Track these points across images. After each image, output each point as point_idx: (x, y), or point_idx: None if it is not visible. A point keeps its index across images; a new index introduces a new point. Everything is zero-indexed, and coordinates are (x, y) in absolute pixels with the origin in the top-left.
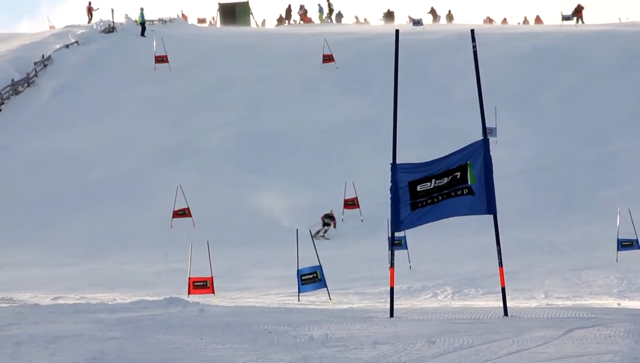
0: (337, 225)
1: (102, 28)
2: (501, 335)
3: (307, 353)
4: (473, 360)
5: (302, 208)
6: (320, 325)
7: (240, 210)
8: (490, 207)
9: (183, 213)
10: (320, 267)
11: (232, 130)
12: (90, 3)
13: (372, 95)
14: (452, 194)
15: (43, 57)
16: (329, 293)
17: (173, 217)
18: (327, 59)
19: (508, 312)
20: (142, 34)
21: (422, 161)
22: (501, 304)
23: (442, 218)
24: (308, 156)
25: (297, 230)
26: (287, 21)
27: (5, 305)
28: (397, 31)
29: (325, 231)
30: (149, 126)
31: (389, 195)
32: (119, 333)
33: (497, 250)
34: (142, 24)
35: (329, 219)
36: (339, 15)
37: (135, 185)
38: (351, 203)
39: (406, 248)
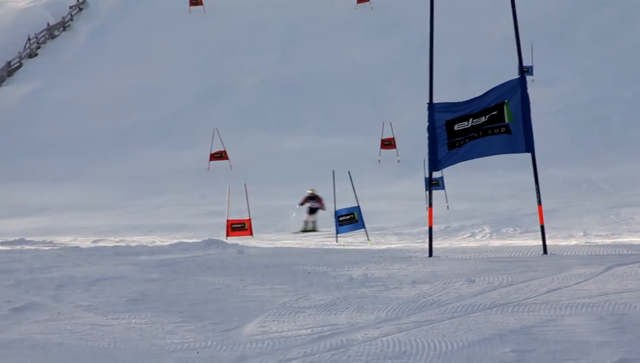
0: (325, 205)
1: None
2: (541, 273)
3: (346, 293)
4: (513, 298)
5: (338, 150)
6: (359, 266)
7: (276, 152)
8: (528, 145)
9: (220, 156)
10: (357, 207)
11: (266, 73)
12: None
13: (406, 35)
14: (489, 133)
15: (78, 0)
16: (367, 233)
17: (210, 160)
18: None
19: (547, 250)
20: None
21: (459, 100)
22: (540, 242)
23: (479, 157)
24: (343, 98)
25: (333, 171)
26: None
27: (47, 248)
28: None
29: (314, 222)
30: (183, 69)
31: (426, 135)
32: (159, 275)
33: (536, 189)
34: None
35: (313, 202)
36: None
37: (171, 128)
38: (388, 144)
39: (443, 188)
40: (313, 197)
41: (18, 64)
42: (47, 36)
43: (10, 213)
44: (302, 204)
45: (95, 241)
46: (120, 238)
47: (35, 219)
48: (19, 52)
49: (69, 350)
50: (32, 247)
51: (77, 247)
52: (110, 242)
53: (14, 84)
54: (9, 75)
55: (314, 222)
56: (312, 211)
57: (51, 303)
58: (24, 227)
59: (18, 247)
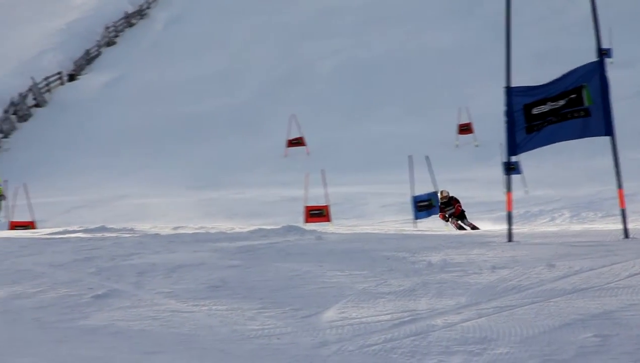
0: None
1: None
2: (622, 257)
3: (426, 279)
4: (594, 282)
5: (414, 135)
6: (438, 251)
7: (352, 138)
8: (608, 129)
9: (297, 142)
10: (435, 193)
11: (342, 57)
12: None
13: (482, 18)
14: (568, 116)
15: None
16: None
17: (287, 146)
18: None
19: (629, 234)
20: None
21: (537, 84)
22: (621, 226)
23: (558, 141)
24: (418, 82)
25: (409, 156)
26: None
27: (127, 235)
28: None
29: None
30: (260, 55)
31: (504, 119)
32: (239, 261)
33: (616, 172)
34: None
35: (449, 208)
36: None
37: (248, 115)
38: (465, 129)
39: (521, 172)
40: (447, 203)
41: (97, 53)
42: (125, 24)
43: (91, 201)
44: (444, 218)
45: (174, 228)
46: (199, 225)
47: (115, 207)
48: (97, 41)
49: (150, 336)
50: (113, 235)
51: (157, 234)
52: (189, 229)
53: (93, 72)
54: (88, 64)
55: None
56: (458, 218)
57: (132, 290)
58: (105, 215)
59: (99, 235)
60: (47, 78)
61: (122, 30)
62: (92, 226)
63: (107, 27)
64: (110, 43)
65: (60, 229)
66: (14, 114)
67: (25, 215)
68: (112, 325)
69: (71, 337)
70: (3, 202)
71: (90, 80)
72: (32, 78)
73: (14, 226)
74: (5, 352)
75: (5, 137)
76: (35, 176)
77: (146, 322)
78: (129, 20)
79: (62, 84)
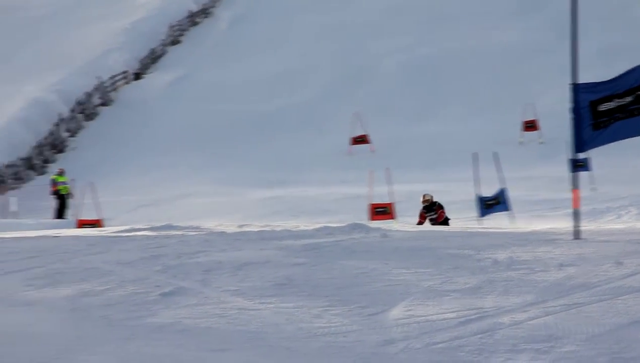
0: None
1: None
2: None
3: (492, 277)
4: None
5: (478, 132)
6: (504, 248)
7: (417, 135)
8: None
9: (361, 139)
10: (502, 190)
11: (404, 56)
12: None
13: (547, 14)
14: (635, 113)
15: None
16: (512, 216)
17: (351, 143)
18: None
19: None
20: None
21: (603, 80)
22: None
23: (625, 138)
24: (482, 80)
25: (474, 154)
26: None
27: (193, 233)
28: None
29: None
30: (324, 53)
31: (569, 116)
32: (305, 259)
33: None
34: None
35: (431, 214)
36: None
37: (312, 113)
38: (530, 126)
39: (589, 169)
40: (430, 207)
41: (162, 52)
42: (189, 23)
43: (156, 199)
44: (420, 223)
45: (240, 226)
46: (264, 223)
47: (181, 205)
48: (162, 40)
49: (217, 334)
50: (179, 233)
51: (222, 232)
52: (254, 227)
53: (158, 71)
54: (153, 63)
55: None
56: (441, 224)
57: (199, 288)
58: (170, 213)
59: (165, 233)
60: (112, 77)
61: (186, 29)
62: (158, 224)
63: (172, 26)
64: (174, 42)
65: (127, 227)
66: (80, 113)
67: (93, 213)
68: (179, 322)
69: (139, 335)
70: (70, 201)
71: (155, 79)
72: (98, 77)
73: (82, 224)
74: (74, 349)
75: (72, 136)
76: (102, 174)
77: (213, 319)
78: (193, 19)
79: (127, 82)
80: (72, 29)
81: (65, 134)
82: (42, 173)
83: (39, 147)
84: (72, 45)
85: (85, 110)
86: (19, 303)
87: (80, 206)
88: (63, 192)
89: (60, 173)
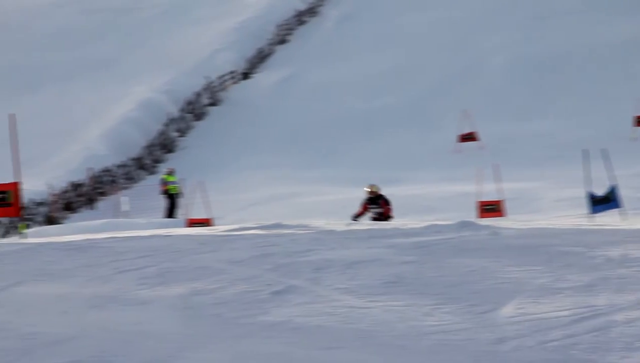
0: (393, 211)
1: None
2: None
3: (605, 274)
4: None
5: (588, 128)
6: (616, 245)
7: (526, 132)
8: None
9: (469, 137)
10: (613, 187)
11: (513, 53)
12: None
13: None
14: None
15: None
16: (623, 213)
17: (459, 141)
18: None
19: None
20: None
21: None
22: None
23: None
24: (591, 75)
25: (586, 150)
26: None
27: (302, 231)
28: None
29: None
30: (432, 50)
31: None
32: (414, 257)
33: None
34: None
35: (375, 208)
36: None
37: (420, 111)
38: None
39: None
40: (374, 200)
41: (269, 51)
42: (296, 23)
43: (265, 198)
44: (360, 215)
45: (348, 224)
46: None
47: (289, 204)
48: (269, 39)
49: (329, 332)
50: (288, 231)
51: (331, 230)
52: (363, 225)
53: (266, 71)
54: (261, 62)
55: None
56: (375, 221)
57: (309, 286)
58: (278, 212)
59: (275, 232)
60: (221, 77)
61: (294, 29)
62: (268, 223)
63: (279, 26)
64: (282, 41)
65: (237, 226)
66: (189, 112)
67: (202, 212)
68: (291, 321)
69: (251, 333)
70: (180, 200)
71: (263, 78)
72: (207, 77)
73: (191, 223)
74: (188, 347)
75: (182, 135)
76: (211, 174)
77: (323, 317)
78: (300, 18)
79: (235, 82)
80: (181, 29)
81: (174, 134)
82: (153, 173)
83: (150, 147)
84: (181, 45)
85: (195, 110)
86: (132, 302)
87: (190, 205)
88: (173, 192)
89: (170, 172)
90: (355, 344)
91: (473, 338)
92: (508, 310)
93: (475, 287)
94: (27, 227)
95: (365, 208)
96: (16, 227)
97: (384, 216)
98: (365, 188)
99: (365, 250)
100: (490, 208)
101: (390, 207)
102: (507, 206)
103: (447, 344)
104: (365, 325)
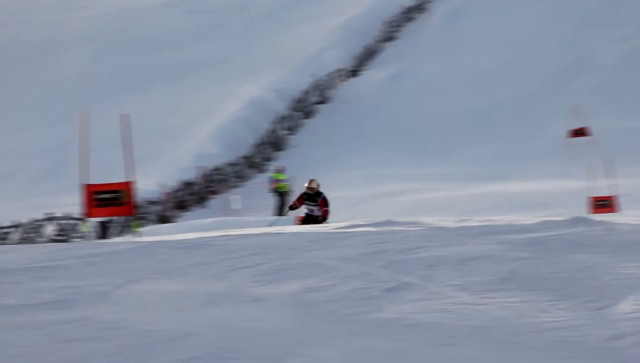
0: (329, 213)
1: None
2: None
3: None
4: None
5: None
6: None
7: (638, 127)
8: None
9: (581, 132)
10: None
11: (625, 46)
12: None
13: None
14: None
15: None
16: None
17: (570, 136)
18: None
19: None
20: None
21: None
22: None
23: None
24: None
25: None
26: None
27: (414, 228)
28: None
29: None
30: (542, 44)
31: None
32: (528, 253)
33: None
34: None
35: (311, 205)
36: None
37: (530, 106)
38: None
39: None
40: (312, 196)
41: (377, 48)
42: (404, 19)
43: (374, 195)
44: (295, 207)
45: (459, 221)
46: (483, 218)
47: (398, 201)
48: (376, 37)
49: (443, 328)
50: (400, 228)
51: (443, 227)
52: (474, 221)
53: (374, 68)
54: (368, 60)
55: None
56: (308, 220)
57: (422, 283)
58: (388, 209)
59: (386, 229)
60: (329, 75)
61: (401, 25)
62: (378, 220)
63: (386, 23)
64: (390, 38)
65: (348, 223)
66: (298, 111)
67: None
68: (405, 317)
69: (365, 330)
70: (289, 198)
71: (371, 76)
72: (315, 75)
73: (301, 221)
74: (303, 344)
75: (291, 133)
76: (320, 171)
77: (438, 314)
78: (408, 15)
79: (343, 80)
80: (289, 27)
81: (284, 132)
82: (263, 171)
83: (259, 145)
84: (288, 44)
85: (303, 108)
86: (246, 299)
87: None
88: (282, 190)
89: (280, 170)
90: (471, 341)
91: (590, 335)
92: (625, 307)
93: (590, 283)
94: (141, 225)
95: (300, 201)
96: (130, 226)
97: (321, 216)
98: (305, 184)
99: (478, 247)
100: (603, 204)
101: (328, 208)
102: (620, 202)
103: (564, 341)
104: (480, 322)
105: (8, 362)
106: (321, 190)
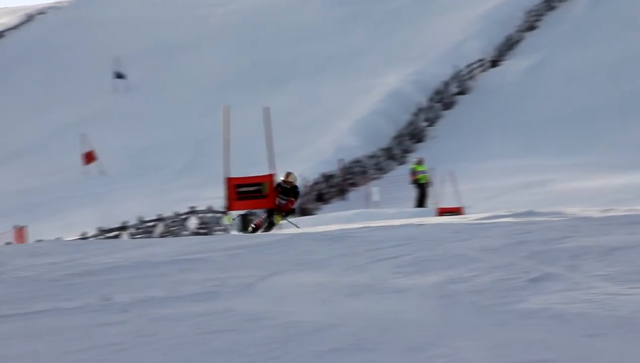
0: (296, 206)
1: None
2: None
3: None
4: None
5: None
6: None
7: None
8: None
9: None
10: None
11: None
12: None
13: None
14: None
15: None
16: None
17: None
18: None
19: None
20: None
21: None
22: None
23: None
24: None
25: None
26: None
27: (557, 219)
28: None
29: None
30: None
31: None
32: None
33: None
34: None
35: (281, 197)
36: None
37: None
38: None
39: None
40: (287, 190)
41: (518, 38)
42: (545, 8)
43: (514, 186)
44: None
45: (604, 210)
46: (629, 207)
47: (539, 191)
48: (518, 26)
49: (589, 319)
50: (542, 219)
51: (587, 217)
52: (619, 211)
53: (514, 58)
54: (509, 50)
55: (268, 228)
56: (272, 211)
57: (567, 274)
58: (529, 199)
59: (528, 219)
60: (469, 65)
61: (543, 14)
62: (519, 211)
63: (528, 12)
64: (531, 27)
65: (489, 214)
66: (438, 102)
67: (452, 201)
68: (549, 308)
69: (509, 321)
70: (430, 189)
71: (512, 65)
72: (455, 66)
73: (442, 212)
74: (447, 335)
75: (431, 125)
76: (460, 162)
77: (583, 305)
78: (550, 3)
79: (484, 70)
80: (429, 19)
81: (423, 124)
82: (402, 163)
83: (399, 137)
84: (429, 35)
85: (443, 99)
86: (389, 290)
87: (440, 194)
88: (422, 181)
89: (419, 162)
90: (617, 332)
91: None
92: None
93: None
94: (282, 218)
95: (275, 193)
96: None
97: (284, 209)
98: (281, 177)
99: (624, 237)
100: None
101: (294, 201)
102: None
103: None
104: (627, 313)
105: (155, 354)
106: (297, 184)
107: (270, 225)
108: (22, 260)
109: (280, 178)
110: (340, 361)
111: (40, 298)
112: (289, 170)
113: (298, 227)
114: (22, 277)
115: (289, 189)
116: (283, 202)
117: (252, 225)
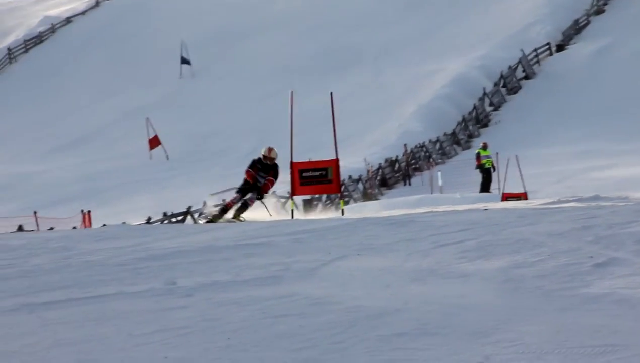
0: (270, 189)
1: None
2: None
3: None
4: None
5: None
6: None
7: None
8: None
9: None
10: None
11: None
12: None
13: None
14: None
15: None
16: None
17: None
18: None
19: None
20: None
21: None
22: None
23: None
24: None
25: None
26: None
27: (623, 203)
28: None
29: (241, 209)
30: None
31: None
32: None
33: None
34: None
35: (260, 176)
36: None
37: None
38: None
39: None
40: (267, 167)
41: (585, 22)
42: None
43: (580, 170)
44: (250, 177)
45: None
46: None
47: (606, 175)
48: (585, 10)
49: None
50: (608, 204)
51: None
52: None
53: (581, 42)
54: (576, 34)
55: (240, 209)
56: (248, 190)
57: (633, 258)
58: (595, 184)
59: (593, 204)
60: (535, 50)
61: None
62: (585, 196)
63: None
64: (599, 11)
65: (554, 199)
66: (503, 86)
67: (517, 186)
68: (615, 293)
69: (573, 305)
70: (494, 174)
71: (578, 50)
72: (521, 50)
73: (506, 197)
74: (511, 320)
75: (496, 110)
76: (525, 147)
77: None
78: None
79: (550, 55)
80: (494, 3)
81: (489, 108)
82: (467, 148)
83: (464, 122)
84: (494, 19)
85: (508, 83)
86: (453, 275)
87: (505, 179)
88: (487, 166)
89: (484, 147)
90: None
91: None
92: None
93: None
94: (346, 203)
95: (255, 171)
96: (335, 203)
97: (262, 191)
98: (262, 152)
99: None
100: None
101: (273, 182)
102: None
103: None
104: None
105: (219, 338)
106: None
107: (243, 206)
108: (88, 244)
109: (261, 153)
110: (404, 345)
111: (106, 282)
112: (270, 145)
113: (270, 215)
114: (88, 261)
115: (269, 166)
116: (262, 181)
117: (222, 206)
